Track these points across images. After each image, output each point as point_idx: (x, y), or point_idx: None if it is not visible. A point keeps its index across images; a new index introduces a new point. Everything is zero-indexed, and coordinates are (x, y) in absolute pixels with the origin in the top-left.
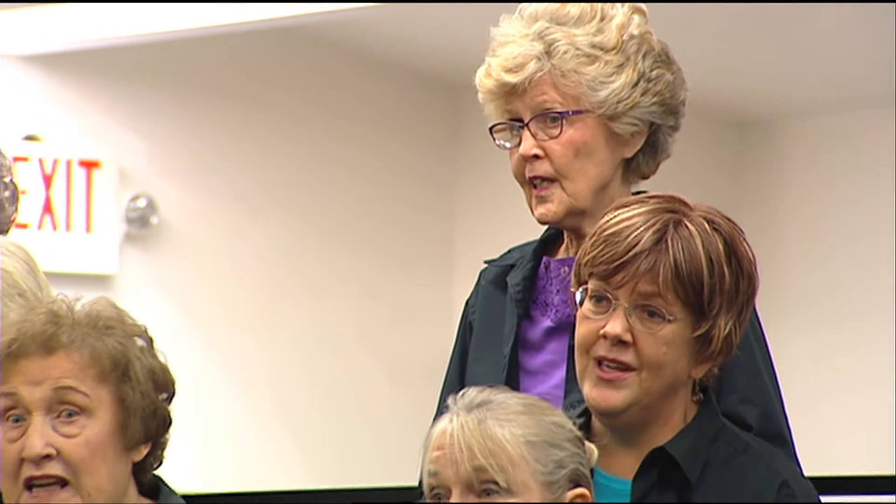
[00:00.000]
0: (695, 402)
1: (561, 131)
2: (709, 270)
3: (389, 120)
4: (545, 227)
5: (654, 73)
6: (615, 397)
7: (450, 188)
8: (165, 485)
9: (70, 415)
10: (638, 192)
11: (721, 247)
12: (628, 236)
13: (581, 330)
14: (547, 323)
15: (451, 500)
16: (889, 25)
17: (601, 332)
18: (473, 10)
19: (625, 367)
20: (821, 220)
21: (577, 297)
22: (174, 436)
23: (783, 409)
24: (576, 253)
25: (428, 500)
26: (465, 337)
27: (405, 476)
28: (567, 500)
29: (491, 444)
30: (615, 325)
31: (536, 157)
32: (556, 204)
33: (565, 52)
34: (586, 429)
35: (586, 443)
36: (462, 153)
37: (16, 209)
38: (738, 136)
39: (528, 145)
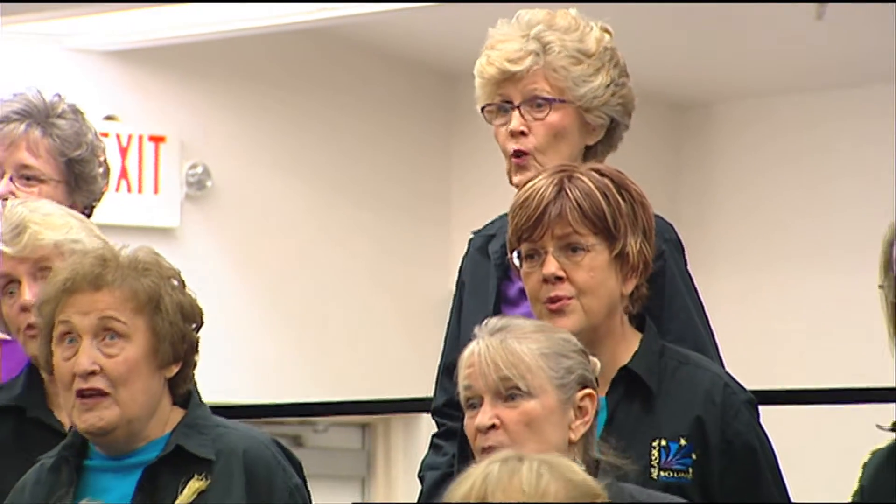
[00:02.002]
0: (634, 328)
1: (547, 115)
2: (605, 201)
3: (398, 103)
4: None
5: (620, 80)
6: (567, 322)
7: (447, 156)
8: (196, 395)
9: (112, 339)
10: None
11: (610, 183)
12: (535, 197)
13: (528, 286)
14: (521, 283)
15: (483, 406)
16: (809, 19)
17: (541, 278)
18: (469, 14)
19: (563, 299)
20: (748, 183)
21: (517, 264)
22: (224, 354)
23: (715, 344)
24: None
25: (465, 410)
26: (460, 293)
27: (405, 389)
28: (577, 398)
29: (512, 358)
30: (549, 267)
31: (523, 133)
32: (532, 173)
33: (558, 52)
34: None
35: (590, 357)
36: (457, 129)
37: (106, 183)
38: (677, 116)
39: (517, 123)
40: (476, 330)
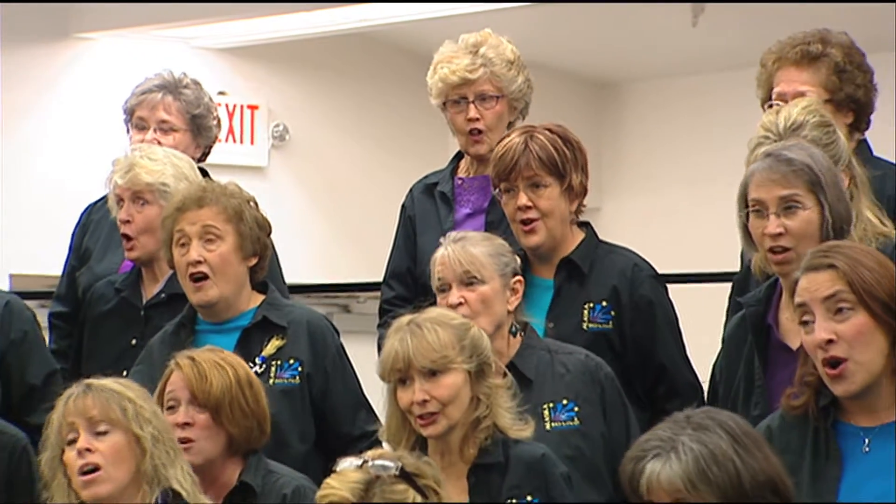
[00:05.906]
0: (581, 230)
1: (494, 106)
2: (556, 151)
3: (418, 86)
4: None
5: (530, 80)
6: (534, 238)
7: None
8: (269, 284)
9: (210, 240)
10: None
11: (558, 138)
12: (510, 152)
13: (507, 212)
14: (465, 210)
15: (451, 291)
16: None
17: (516, 207)
18: (466, 26)
19: (533, 220)
20: (649, 136)
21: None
22: (300, 252)
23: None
24: (475, 172)
25: (437, 294)
26: (406, 223)
27: None
28: (512, 283)
29: (470, 257)
30: (521, 199)
31: (478, 119)
32: (485, 146)
33: (497, 64)
34: (525, 261)
35: (514, 255)
36: None
37: (218, 131)
38: (596, 92)
39: (473, 112)
40: (441, 240)
